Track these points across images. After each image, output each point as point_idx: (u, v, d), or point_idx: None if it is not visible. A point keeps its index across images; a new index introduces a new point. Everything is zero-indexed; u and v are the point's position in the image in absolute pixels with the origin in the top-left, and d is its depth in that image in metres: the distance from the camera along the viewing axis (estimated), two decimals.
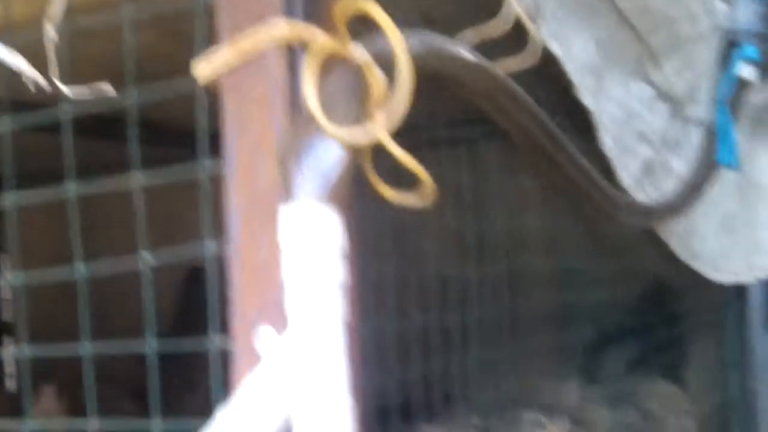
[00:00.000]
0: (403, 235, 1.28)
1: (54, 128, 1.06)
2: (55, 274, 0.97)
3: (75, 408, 2.26)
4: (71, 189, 0.95)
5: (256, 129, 0.82)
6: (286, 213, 0.75)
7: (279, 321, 0.81)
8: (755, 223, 2.71)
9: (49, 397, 2.26)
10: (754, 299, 3.09)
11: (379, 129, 0.77)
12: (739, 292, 2.88)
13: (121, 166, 1.06)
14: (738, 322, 2.96)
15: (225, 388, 0.84)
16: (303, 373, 0.74)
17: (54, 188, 0.98)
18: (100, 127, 1.62)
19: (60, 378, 2.12)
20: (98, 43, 1.38)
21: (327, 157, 0.76)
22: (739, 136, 2.11)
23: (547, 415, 1.89)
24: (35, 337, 1.22)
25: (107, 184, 0.92)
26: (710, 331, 2.98)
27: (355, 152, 0.78)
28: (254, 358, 0.82)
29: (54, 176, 1.13)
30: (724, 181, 2.26)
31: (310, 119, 0.76)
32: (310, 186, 0.75)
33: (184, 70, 0.87)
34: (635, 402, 2.50)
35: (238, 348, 0.84)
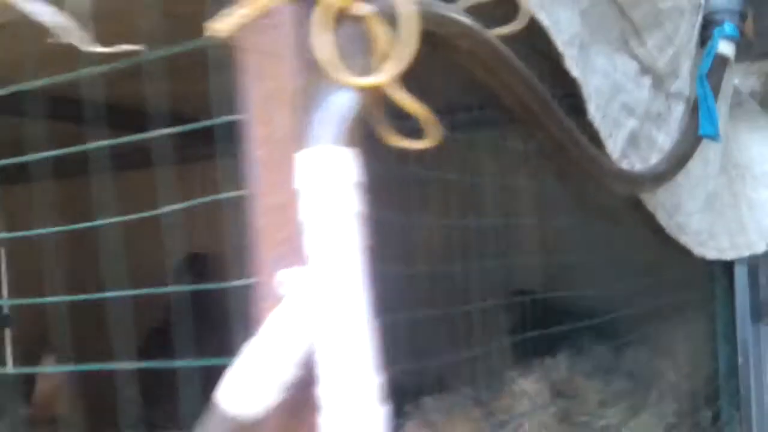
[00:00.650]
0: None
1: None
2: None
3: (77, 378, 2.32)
4: (95, 147, 1.01)
5: (270, 82, 0.88)
6: (303, 157, 0.82)
7: (298, 259, 0.87)
8: (738, 202, 2.79)
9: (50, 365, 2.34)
10: (740, 285, 3.16)
11: (385, 76, 0.83)
12: (726, 267, 2.95)
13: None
14: (726, 297, 3.03)
15: (247, 329, 0.90)
16: (326, 302, 0.80)
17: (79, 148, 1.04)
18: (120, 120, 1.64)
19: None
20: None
21: (339, 103, 0.82)
22: (722, 116, 2.18)
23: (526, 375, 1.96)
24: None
25: (132, 137, 0.98)
26: (698, 306, 3.06)
27: (363, 100, 0.85)
28: (275, 295, 0.88)
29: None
30: (709, 160, 2.33)
31: (322, 69, 0.82)
32: (325, 130, 0.82)
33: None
34: (622, 371, 2.57)
35: (259, 286, 0.90)
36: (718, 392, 3.19)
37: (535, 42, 1.49)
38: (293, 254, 0.88)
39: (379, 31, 0.86)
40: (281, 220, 0.89)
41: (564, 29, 1.46)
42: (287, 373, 0.85)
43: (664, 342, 3.01)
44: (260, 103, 0.89)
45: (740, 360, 3.02)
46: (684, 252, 2.36)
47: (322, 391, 0.81)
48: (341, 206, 0.80)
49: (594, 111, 1.59)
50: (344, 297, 0.80)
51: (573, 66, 1.49)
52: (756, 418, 3.19)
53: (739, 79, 2.88)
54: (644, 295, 2.72)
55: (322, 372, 0.81)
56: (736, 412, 3.19)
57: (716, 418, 3.18)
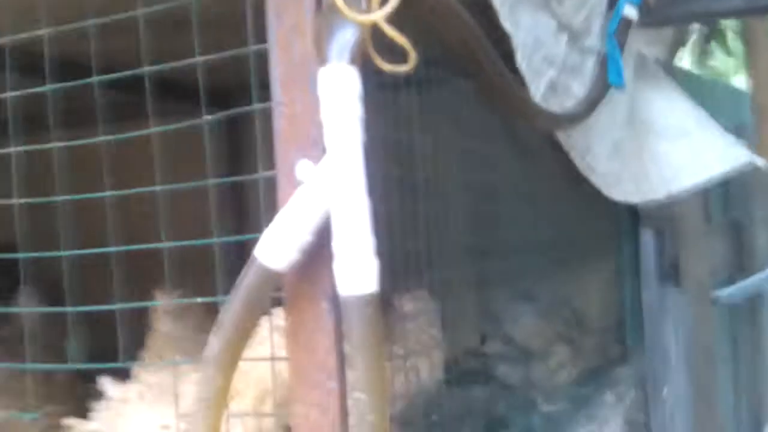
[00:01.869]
0: None
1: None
2: None
3: None
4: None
5: (291, 18, 1.17)
6: (324, 72, 1.11)
7: (310, 154, 1.16)
8: (642, 153, 3.13)
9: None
10: (646, 249, 3.51)
11: (381, 15, 1.12)
12: (631, 213, 3.31)
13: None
14: (631, 240, 3.40)
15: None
16: (338, 181, 1.10)
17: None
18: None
19: None
20: None
21: (347, 33, 1.11)
22: (627, 77, 2.52)
23: None
24: None
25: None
26: (609, 249, 3.43)
27: (363, 33, 1.14)
28: (294, 183, 1.17)
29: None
30: (616, 111, 2.67)
31: (334, 7, 1.11)
32: (337, 53, 1.10)
33: None
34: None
35: (281, 177, 1.19)
36: (626, 329, 3.55)
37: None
38: (307, 149, 1.17)
39: None
40: (297, 123, 1.18)
41: None
42: (305, 238, 1.14)
43: (579, 282, 3.37)
44: (282, 34, 1.17)
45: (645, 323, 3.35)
46: (596, 195, 2.71)
47: (335, 246, 1.11)
48: (351, 110, 1.10)
49: (520, 60, 1.90)
50: (351, 177, 1.10)
51: (505, 22, 1.80)
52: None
53: (645, 48, 3.22)
54: (563, 236, 3.08)
55: (335, 232, 1.11)
56: (641, 348, 3.56)
57: (624, 352, 3.55)
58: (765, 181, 5.06)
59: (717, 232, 4.48)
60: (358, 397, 1.08)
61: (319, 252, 1.15)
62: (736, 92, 5.81)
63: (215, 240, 1.29)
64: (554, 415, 2.88)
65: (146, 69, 1.38)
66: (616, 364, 3.42)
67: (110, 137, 1.46)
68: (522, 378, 2.84)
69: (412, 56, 1.16)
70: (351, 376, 1.10)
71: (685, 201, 3.27)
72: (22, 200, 1.55)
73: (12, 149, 1.49)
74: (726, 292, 4.48)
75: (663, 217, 3.50)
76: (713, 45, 5.50)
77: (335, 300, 1.15)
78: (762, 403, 4.81)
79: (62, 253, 1.55)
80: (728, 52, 5.35)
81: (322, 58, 1.11)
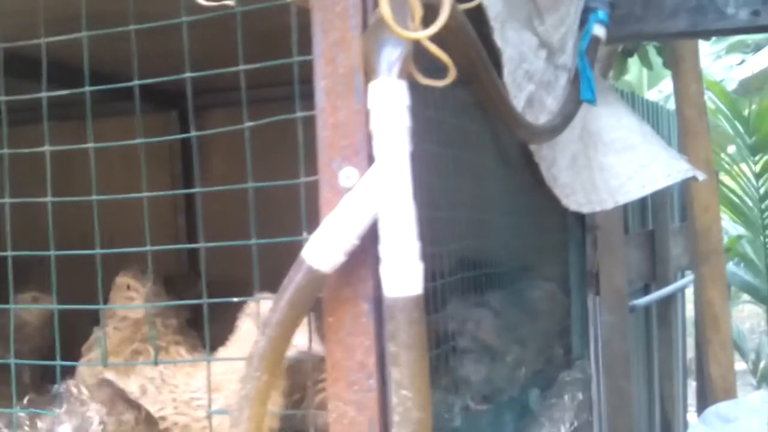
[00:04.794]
0: None
1: None
2: None
3: None
4: None
5: (336, 33, 1.22)
6: (375, 85, 1.16)
7: (352, 162, 1.22)
8: (591, 165, 3.26)
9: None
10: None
11: (427, 33, 1.19)
12: (579, 220, 3.44)
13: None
14: (579, 246, 3.53)
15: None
16: (385, 187, 1.16)
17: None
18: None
19: None
20: None
21: (395, 48, 1.18)
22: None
23: None
24: None
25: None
26: (555, 253, 3.55)
27: (408, 49, 1.20)
28: (337, 187, 1.22)
29: None
30: (573, 126, 2.79)
31: (383, 24, 1.17)
32: (386, 67, 1.16)
33: None
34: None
35: (323, 183, 1.24)
36: (570, 330, 3.68)
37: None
38: (349, 157, 1.22)
39: (416, 4, 1.21)
40: (340, 132, 1.23)
41: (492, 8, 1.84)
42: (351, 242, 1.20)
43: (531, 289, 3.48)
44: (327, 47, 1.23)
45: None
46: (552, 203, 2.82)
47: (382, 250, 1.17)
48: (400, 121, 1.16)
49: (506, 74, 1.99)
50: (400, 184, 1.16)
51: (497, 37, 1.88)
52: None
53: None
54: (517, 246, 3.18)
55: (383, 237, 1.16)
56: (586, 350, 3.70)
57: (567, 353, 3.68)
58: (681, 194, 5.29)
59: (634, 242, 4.67)
60: (405, 395, 1.14)
61: (360, 255, 1.21)
62: (652, 106, 6.08)
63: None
64: (515, 415, 2.98)
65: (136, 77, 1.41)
66: (565, 368, 3.54)
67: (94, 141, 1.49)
68: (483, 377, 2.93)
69: (453, 72, 1.23)
70: (396, 374, 1.15)
71: (605, 212, 3.42)
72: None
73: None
74: (642, 301, 4.70)
75: (586, 227, 3.66)
76: (630, 60, 5.70)
77: (376, 301, 1.21)
78: (673, 404, 5.04)
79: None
80: (649, 66, 5.56)
81: (371, 72, 1.17)
